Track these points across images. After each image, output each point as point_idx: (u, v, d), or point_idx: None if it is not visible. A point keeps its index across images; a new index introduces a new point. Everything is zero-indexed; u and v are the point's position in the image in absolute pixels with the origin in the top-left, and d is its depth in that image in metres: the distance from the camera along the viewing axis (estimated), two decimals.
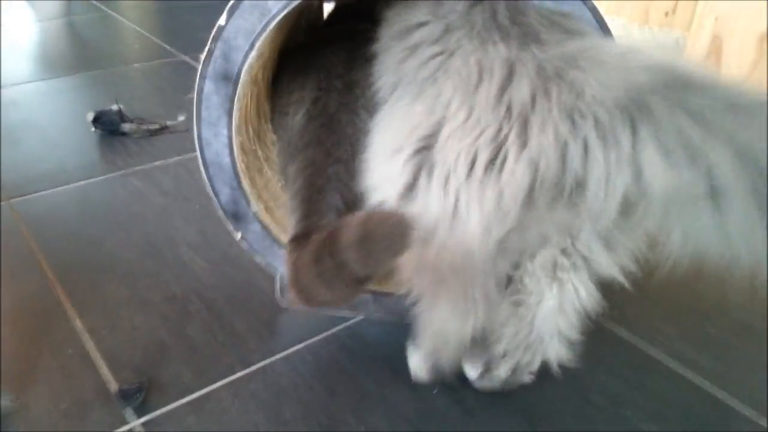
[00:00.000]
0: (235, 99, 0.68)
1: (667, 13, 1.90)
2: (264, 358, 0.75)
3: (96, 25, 1.99)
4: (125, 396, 0.68)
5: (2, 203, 1.03)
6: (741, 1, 1.44)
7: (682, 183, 0.50)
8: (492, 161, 0.53)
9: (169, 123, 1.26)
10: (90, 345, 0.76)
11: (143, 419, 0.67)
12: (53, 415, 0.67)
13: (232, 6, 0.64)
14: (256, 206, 0.75)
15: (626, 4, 1.99)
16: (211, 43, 0.66)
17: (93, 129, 1.23)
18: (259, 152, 0.82)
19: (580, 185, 0.52)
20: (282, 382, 0.72)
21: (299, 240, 0.67)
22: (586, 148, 0.51)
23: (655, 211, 0.52)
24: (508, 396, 0.72)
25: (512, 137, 0.52)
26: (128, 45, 1.84)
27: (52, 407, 0.68)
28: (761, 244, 0.49)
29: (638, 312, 0.86)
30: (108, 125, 1.23)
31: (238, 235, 0.77)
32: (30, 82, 1.52)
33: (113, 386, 0.70)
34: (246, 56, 0.66)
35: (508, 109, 0.53)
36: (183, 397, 0.70)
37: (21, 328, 0.79)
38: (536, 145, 0.52)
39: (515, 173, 0.52)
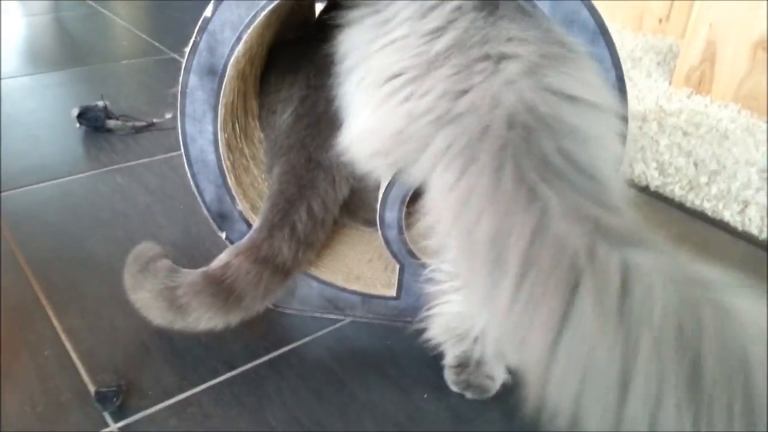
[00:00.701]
0: (221, 94, 0.66)
1: (660, 20, 1.91)
2: (248, 362, 0.73)
3: (85, 22, 1.96)
4: (102, 399, 0.66)
5: None
6: (736, 8, 1.44)
7: None
8: None
9: (155, 120, 1.24)
10: (68, 345, 0.74)
11: (121, 423, 0.65)
12: (28, 418, 0.65)
13: None
14: (241, 205, 0.73)
15: (620, 10, 1.99)
16: (196, 36, 0.64)
17: (78, 125, 1.21)
18: (246, 150, 0.80)
19: None
20: (266, 386, 0.70)
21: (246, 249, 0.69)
22: None
23: None
24: (500, 401, 0.70)
25: None
26: (117, 42, 1.82)
27: (27, 409, 0.66)
28: None
29: None
30: (93, 121, 1.21)
31: (223, 235, 0.75)
32: (15, 77, 1.49)
33: (91, 389, 0.68)
34: (232, 50, 0.64)
35: None
36: (164, 400, 0.68)
37: None
38: None
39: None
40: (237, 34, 0.63)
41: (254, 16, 0.62)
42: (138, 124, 1.22)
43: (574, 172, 0.49)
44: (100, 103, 1.22)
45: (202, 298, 0.67)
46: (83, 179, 1.07)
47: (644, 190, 1.17)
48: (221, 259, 0.70)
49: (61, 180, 1.07)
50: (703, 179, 1.18)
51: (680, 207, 1.13)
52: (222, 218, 0.74)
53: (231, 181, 0.71)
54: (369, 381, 0.72)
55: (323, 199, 0.73)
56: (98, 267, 0.86)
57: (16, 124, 1.24)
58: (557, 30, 0.60)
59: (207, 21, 0.63)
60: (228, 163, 0.71)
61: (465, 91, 0.53)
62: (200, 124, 0.68)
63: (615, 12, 2.01)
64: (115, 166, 1.11)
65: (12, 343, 0.74)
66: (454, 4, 0.57)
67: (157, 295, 0.67)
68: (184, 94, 0.67)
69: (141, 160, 1.13)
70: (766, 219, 1.07)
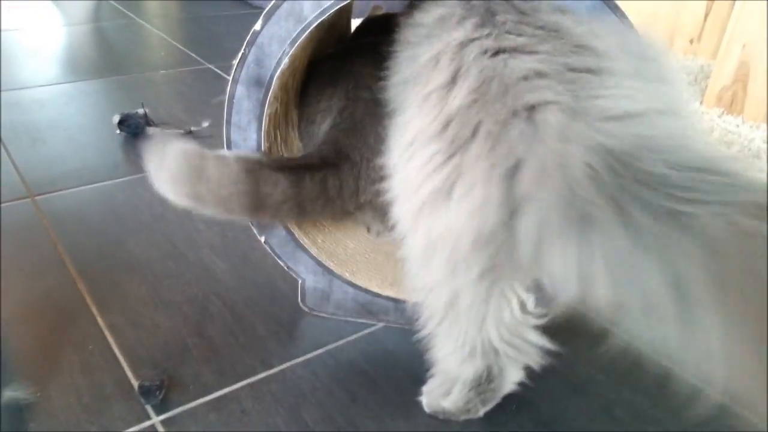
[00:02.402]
0: (266, 104, 0.69)
1: (692, 40, 1.91)
2: (284, 361, 0.75)
3: (123, 32, 2.02)
4: (146, 393, 0.68)
5: (27, 200, 1.04)
6: None
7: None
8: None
9: (193, 128, 1.28)
10: (112, 341, 0.77)
11: (163, 416, 0.67)
12: (74, 409, 0.68)
13: (268, 12, 0.65)
14: None
15: (650, 30, 2.00)
16: (245, 48, 0.67)
17: (118, 131, 1.25)
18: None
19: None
20: (302, 385, 0.72)
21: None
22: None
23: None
24: (531, 408, 0.71)
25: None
26: (154, 52, 1.87)
27: (73, 401, 0.69)
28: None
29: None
30: (133, 128, 1.25)
31: (262, 239, 0.78)
32: (56, 84, 1.55)
33: (134, 383, 0.71)
34: (279, 62, 0.67)
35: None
36: (203, 396, 0.70)
37: (43, 323, 0.79)
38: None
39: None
40: (284, 48, 0.66)
41: (301, 31, 0.65)
42: (176, 131, 1.26)
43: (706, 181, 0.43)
44: (141, 111, 1.26)
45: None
46: (124, 183, 1.11)
47: None
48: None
49: (102, 184, 1.10)
50: None
51: None
52: (261, 223, 0.77)
53: None
54: (401, 383, 0.73)
55: (341, 183, 0.73)
56: (139, 268, 0.90)
57: (58, 129, 1.29)
58: (568, 23, 0.55)
59: (256, 34, 0.66)
60: None
61: (517, 167, 0.48)
62: (245, 132, 0.71)
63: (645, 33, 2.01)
64: None
65: (58, 339, 0.77)
66: (457, 37, 0.54)
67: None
68: (231, 103, 0.69)
69: None
70: None
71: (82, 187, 1.09)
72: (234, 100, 0.69)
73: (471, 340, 0.62)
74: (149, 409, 0.68)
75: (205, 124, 1.27)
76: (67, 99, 1.46)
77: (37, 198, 1.05)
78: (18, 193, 1.06)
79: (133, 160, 1.18)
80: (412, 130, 0.54)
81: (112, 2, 2.28)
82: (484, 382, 0.67)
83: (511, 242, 0.49)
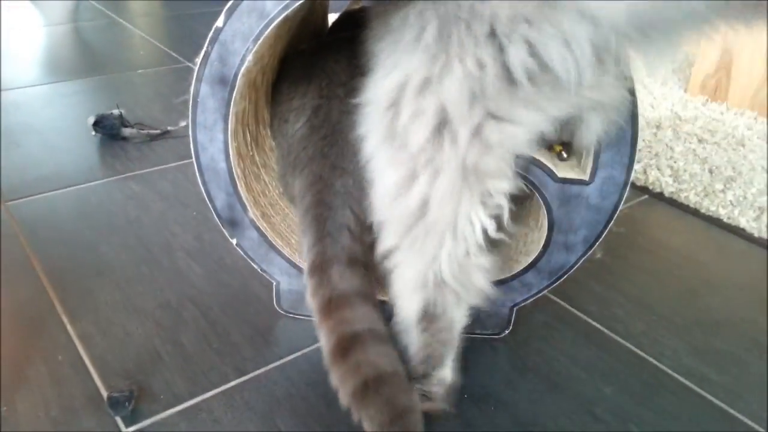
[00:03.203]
0: (231, 103, 0.67)
1: None
2: (258, 367, 0.74)
3: (102, 32, 1.99)
4: (115, 404, 0.66)
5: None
6: None
7: None
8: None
9: (170, 128, 1.26)
10: (82, 351, 0.74)
11: (133, 428, 0.66)
12: (43, 423, 0.66)
13: (230, 8, 0.63)
14: (252, 212, 0.74)
15: None
16: (207, 46, 0.65)
17: (93, 133, 1.23)
18: (257, 158, 0.81)
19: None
20: (277, 392, 0.71)
21: (318, 270, 0.69)
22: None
23: None
24: (509, 407, 0.70)
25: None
26: (134, 51, 1.84)
27: (41, 414, 0.67)
28: None
29: (645, 326, 0.84)
30: (108, 129, 1.22)
31: (234, 242, 0.76)
32: (33, 86, 1.52)
33: (104, 393, 0.69)
34: (243, 60, 0.65)
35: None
36: (175, 405, 0.68)
37: (12, 332, 0.77)
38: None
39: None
40: (247, 45, 0.64)
41: (264, 27, 0.63)
42: (152, 132, 1.24)
43: None
44: (116, 112, 1.23)
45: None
46: (98, 186, 1.09)
47: (659, 196, 1.16)
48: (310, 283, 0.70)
49: (76, 187, 1.08)
50: (719, 186, 1.16)
51: (695, 213, 1.12)
52: (233, 225, 0.75)
53: (242, 189, 0.72)
54: None
55: (359, 202, 0.73)
56: (112, 273, 0.88)
57: (33, 133, 1.26)
58: None
59: (218, 31, 0.64)
60: (238, 171, 0.72)
61: None
62: (211, 132, 0.69)
63: None
64: (130, 174, 1.13)
65: (27, 349, 0.75)
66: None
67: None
68: (195, 102, 0.67)
69: (155, 168, 1.15)
70: None
71: (56, 192, 1.07)
72: (198, 100, 0.67)
73: (425, 269, 0.63)
74: (119, 420, 0.66)
75: (182, 123, 1.25)
76: (44, 101, 1.43)
77: (8, 204, 1.03)
78: None
79: (109, 162, 1.16)
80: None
81: (93, 2, 2.24)
82: (433, 319, 0.67)
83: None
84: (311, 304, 0.69)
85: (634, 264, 0.98)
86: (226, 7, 0.64)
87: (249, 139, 0.78)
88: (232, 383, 0.71)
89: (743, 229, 1.07)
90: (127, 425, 0.66)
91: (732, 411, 0.72)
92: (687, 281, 0.94)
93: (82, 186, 1.09)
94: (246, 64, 0.65)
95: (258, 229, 0.75)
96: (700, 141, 1.33)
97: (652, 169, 1.22)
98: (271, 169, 0.83)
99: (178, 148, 1.22)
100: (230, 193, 0.73)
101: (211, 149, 0.70)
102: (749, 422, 0.71)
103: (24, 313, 0.80)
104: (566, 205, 0.69)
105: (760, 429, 0.70)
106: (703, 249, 1.03)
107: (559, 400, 0.72)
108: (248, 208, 0.73)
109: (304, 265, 0.71)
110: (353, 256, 0.70)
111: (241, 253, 0.77)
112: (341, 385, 0.65)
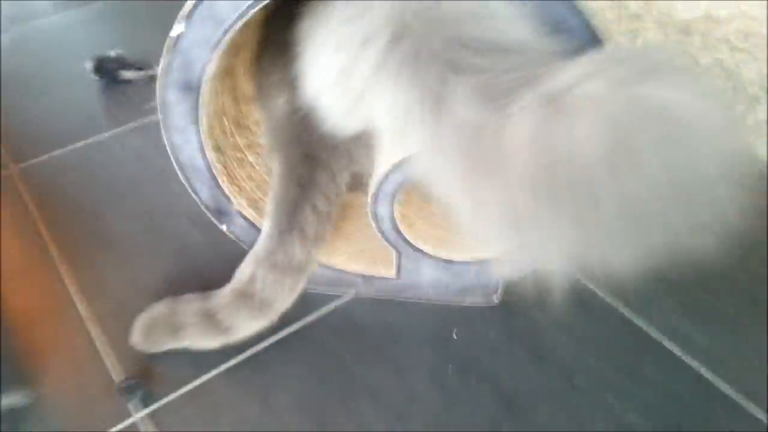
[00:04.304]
0: (200, 106, 0.66)
1: None
2: (255, 344, 0.78)
3: None
4: (126, 390, 0.73)
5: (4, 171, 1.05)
6: None
7: None
8: None
9: None
10: (94, 334, 0.80)
11: (145, 412, 0.72)
12: (58, 411, 0.73)
13: (186, 14, 0.60)
14: (237, 203, 0.75)
15: None
16: (167, 55, 0.62)
17: (96, 77, 1.22)
18: (239, 140, 0.80)
19: None
20: (272, 370, 0.76)
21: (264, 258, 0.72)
22: None
23: None
24: (491, 380, 0.74)
25: None
26: None
27: (57, 402, 0.74)
28: None
29: (639, 286, 0.84)
30: (108, 73, 1.21)
31: (224, 227, 0.78)
32: (37, 18, 1.49)
33: (116, 378, 0.75)
34: (205, 66, 0.62)
35: None
36: (180, 388, 0.74)
37: (27, 316, 0.84)
38: None
39: None
40: (208, 53, 0.61)
41: (222, 34, 0.60)
42: (153, 73, 1.22)
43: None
44: (113, 54, 1.21)
45: (242, 314, 0.73)
46: (102, 142, 1.10)
47: None
48: (244, 271, 0.74)
49: (81, 144, 1.10)
50: (741, 107, 1.10)
51: None
52: (220, 214, 0.76)
53: (224, 183, 0.73)
54: (370, 363, 0.76)
55: (326, 194, 0.74)
56: (119, 246, 0.91)
57: (35, 79, 1.26)
58: None
59: (175, 39, 0.61)
60: (219, 166, 0.72)
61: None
62: (184, 134, 0.68)
63: None
64: (132, 124, 1.13)
65: (42, 333, 0.81)
66: None
67: (202, 332, 0.74)
68: (165, 108, 0.66)
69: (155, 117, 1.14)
70: None
71: (61, 151, 1.09)
72: (167, 105, 0.66)
73: None
74: (130, 407, 0.73)
75: None
76: (48, 36, 1.40)
77: (18, 167, 1.05)
78: None
79: (112, 112, 1.16)
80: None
81: None
82: None
83: None
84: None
85: None
86: (182, 12, 0.60)
87: (228, 124, 0.77)
88: (231, 362, 0.76)
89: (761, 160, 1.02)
90: (139, 410, 0.72)
91: (716, 384, 0.74)
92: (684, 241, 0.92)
93: (87, 142, 1.10)
94: (209, 72, 0.63)
95: (245, 217, 0.76)
96: (731, 49, 1.23)
97: None
98: (257, 146, 0.83)
99: None
100: (212, 187, 0.73)
101: (187, 149, 0.70)
102: (737, 397, 0.72)
103: (37, 294, 0.86)
104: None
105: (747, 405, 0.71)
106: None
107: (539, 371, 0.75)
108: (233, 199, 0.74)
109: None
110: (293, 265, 0.73)
111: (233, 238, 0.79)
112: None
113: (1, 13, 1.50)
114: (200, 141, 0.69)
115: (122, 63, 1.22)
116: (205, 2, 0.58)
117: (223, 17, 0.59)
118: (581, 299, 0.83)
